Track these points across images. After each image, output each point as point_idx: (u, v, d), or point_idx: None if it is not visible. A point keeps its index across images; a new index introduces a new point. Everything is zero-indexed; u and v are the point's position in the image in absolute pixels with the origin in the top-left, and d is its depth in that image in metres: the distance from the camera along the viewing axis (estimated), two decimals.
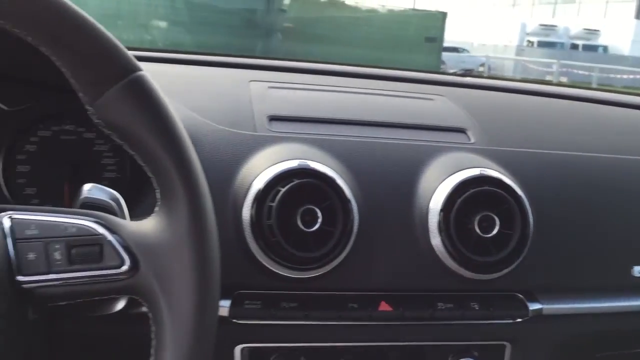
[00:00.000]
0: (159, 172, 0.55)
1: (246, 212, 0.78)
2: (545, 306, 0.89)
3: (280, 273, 0.79)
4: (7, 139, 0.87)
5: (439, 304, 0.85)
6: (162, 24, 5.35)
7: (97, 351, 0.82)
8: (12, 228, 0.52)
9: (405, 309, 0.83)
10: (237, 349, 0.83)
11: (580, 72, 14.83)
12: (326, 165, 0.81)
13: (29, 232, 0.52)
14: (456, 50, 17.76)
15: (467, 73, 1.48)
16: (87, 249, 0.53)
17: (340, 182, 0.80)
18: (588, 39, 23.82)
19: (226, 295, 0.79)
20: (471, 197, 0.81)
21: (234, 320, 0.79)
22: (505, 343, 0.90)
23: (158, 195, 0.56)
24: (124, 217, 0.62)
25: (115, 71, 0.52)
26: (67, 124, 0.90)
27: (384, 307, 0.83)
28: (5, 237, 0.51)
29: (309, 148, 0.85)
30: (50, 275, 0.51)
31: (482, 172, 0.84)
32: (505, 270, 0.83)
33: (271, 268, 0.79)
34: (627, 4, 24.96)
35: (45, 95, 0.89)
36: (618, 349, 1.03)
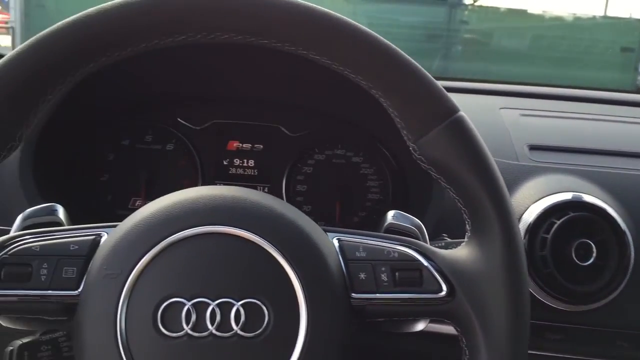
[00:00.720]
0: (473, 207, 0.59)
1: None
2: None
3: (548, 304, 0.80)
4: (289, 161, 0.98)
5: None
6: None
7: None
8: (342, 249, 0.58)
9: None
10: None
11: None
12: (598, 198, 0.81)
13: (358, 254, 0.58)
14: None
15: None
16: (408, 273, 0.58)
17: (614, 215, 0.80)
18: None
19: None
20: None
21: None
22: None
23: (468, 227, 0.60)
24: (426, 242, 0.67)
25: (440, 112, 0.56)
26: (338, 149, 0.99)
27: None
28: (338, 257, 0.58)
29: (577, 180, 0.86)
30: (378, 294, 0.56)
31: None
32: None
33: (540, 298, 0.80)
34: None
35: (322, 123, 0.99)
36: None
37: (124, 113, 0.95)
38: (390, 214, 0.67)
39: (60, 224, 0.61)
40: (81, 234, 0.54)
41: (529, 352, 0.81)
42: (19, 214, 0.76)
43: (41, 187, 0.82)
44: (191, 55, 0.86)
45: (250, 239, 0.52)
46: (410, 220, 0.68)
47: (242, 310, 0.50)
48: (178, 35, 0.52)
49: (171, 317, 0.49)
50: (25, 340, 0.64)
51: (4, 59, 0.51)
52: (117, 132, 0.96)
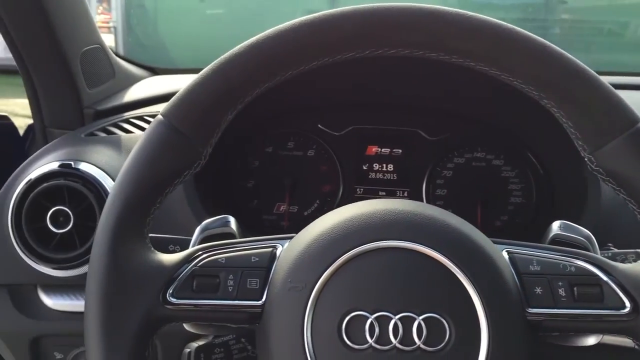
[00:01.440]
0: None
1: None
2: None
3: None
4: (428, 164, 0.98)
5: None
6: None
7: None
8: (513, 262, 0.57)
9: None
10: None
11: None
12: None
13: (532, 268, 0.57)
14: None
15: None
16: (588, 288, 0.56)
17: None
18: None
19: None
20: None
21: None
22: None
23: None
24: (597, 253, 0.64)
25: (620, 122, 0.53)
26: (478, 152, 0.98)
27: None
28: (511, 270, 0.57)
29: None
30: (557, 310, 0.55)
31: None
32: None
33: None
34: None
35: (461, 126, 0.98)
36: None
37: (267, 121, 0.98)
38: (556, 224, 0.65)
39: (233, 234, 0.64)
40: (259, 245, 0.57)
41: None
42: (182, 221, 0.81)
43: (201, 196, 0.87)
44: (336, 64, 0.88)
45: (428, 254, 0.52)
46: (578, 231, 0.66)
47: (423, 325, 0.50)
48: (360, 52, 0.54)
49: (355, 329, 0.50)
50: (200, 343, 0.69)
51: (189, 85, 0.55)
52: (261, 140, 0.99)
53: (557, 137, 0.92)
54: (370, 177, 0.99)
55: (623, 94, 0.54)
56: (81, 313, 0.83)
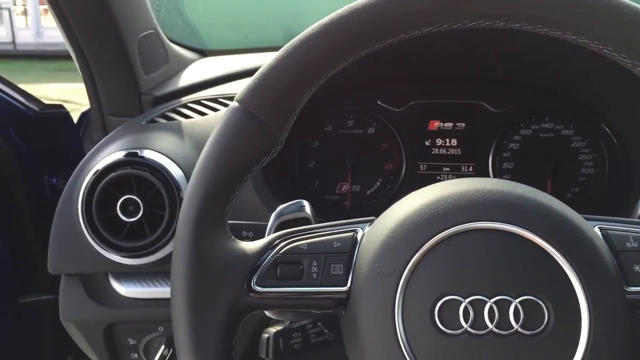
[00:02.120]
0: None
1: None
2: None
3: None
4: (494, 138, 0.95)
5: None
6: None
7: None
8: (608, 239, 0.54)
9: None
10: None
11: None
12: None
13: (629, 245, 0.54)
14: None
15: None
16: None
17: None
18: None
19: None
20: None
21: None
22: None
23: None
24: None
25: None
26: (545, 123, 0.94)
27: None
28: (607, 248, 0.54)
29: None
30: None
31: None
32: None
33: None
34: None
35: (527, 97, 0.94)
36: None
37: (326, 100, 0.96)
38: None
39: (308, 219, 0.63)
40: (339, 230, 0.56)
41: None
42: (249, 206, 0.80)
43: (266, 179, 0.86)
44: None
45: (521, 234, 0.50)
46: None
47: (520, 308, 0.48)
48: (439, 25, 0.52)
49: (448, 314, 0.49)
50: (277, 328, 0.68)
51: (264, 69, 0.53)
52: (320, 120, 0.98)
53: (634, 105, 0.88)
54: (433, 152, 0.97)
55: None
56: (153, 300, 0.85)
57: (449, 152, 0.96)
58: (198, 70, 1.11)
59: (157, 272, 0.84)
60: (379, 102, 0.97)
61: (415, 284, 0.50)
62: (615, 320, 0.50)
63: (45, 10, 9.97)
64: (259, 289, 0.53)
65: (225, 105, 0.92)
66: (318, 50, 0.52)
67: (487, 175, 0.95)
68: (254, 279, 0.53)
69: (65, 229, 0.82)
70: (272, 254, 0.54)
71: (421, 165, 0.97)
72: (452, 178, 0.94)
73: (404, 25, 0.52)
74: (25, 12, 11.01)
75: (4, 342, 1.14)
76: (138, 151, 0.80)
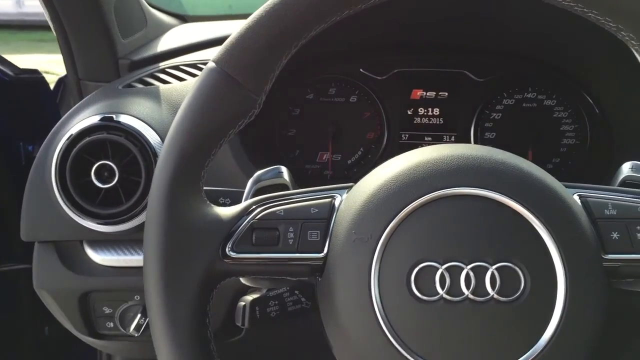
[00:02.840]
0: None
1: None
2: None
3: None
4: (476, 107, 0.94)
5: None
6: None
7: None
8: (586, 206, 0.53)
9: None
10: None
11: None
12: None
13: (607, 212, 0.54)
14: None
15: None
16: None
17: None
18: None
19: None
20: None
21: None
22: None
23: None
24: None
25: None
26: (528, 92, 0.93)
27: None
28: (586, 215, 0.53)
29: None
30: (634, 255, 0.52)
31: None
32: None
33: None
34: None
35: (510, 66, 0.93)
36: None
37: (307, 67, 0.94)
38: (627, 165, 0.62)
39: (286, 185, 0.62)
40: (316, 196, 0.55)
41: None
42: (227, 172, 0.79)
43: (245, 146, 0.84)
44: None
45: (500, 201, 0.49)
46: None
47: (497, 274, 0.48)
48: None
49: (424, 281, 0.48)
50: (254, 296, 0.67)
51: (241, 29, 0.51)
52: (301, 87, 0.96)
53: (617, 74, 0.87)
54: (415, 122, 0.96)
55: None
56: (129, 268, 0.84)
57: (431, 122, 0.95)
58: (178, 35, 1.08)
59: (133, 240, 0.82)
60: (361, 70, 0.95)
61: (392, 250, 0.49)
62: (592, 287, 0.50)
63: None
64: (233, 254, 0.52)
65: None
66: (297, 9, 0.51)
67: None
68: (229, 245, 0.52)
69: (39, 195, 0.80)
70: (248, 219, 0.53)
71: (403, 135, 0.95)
72: None
73: None
74: None
75: None
76: (114, 116, 0.77)
